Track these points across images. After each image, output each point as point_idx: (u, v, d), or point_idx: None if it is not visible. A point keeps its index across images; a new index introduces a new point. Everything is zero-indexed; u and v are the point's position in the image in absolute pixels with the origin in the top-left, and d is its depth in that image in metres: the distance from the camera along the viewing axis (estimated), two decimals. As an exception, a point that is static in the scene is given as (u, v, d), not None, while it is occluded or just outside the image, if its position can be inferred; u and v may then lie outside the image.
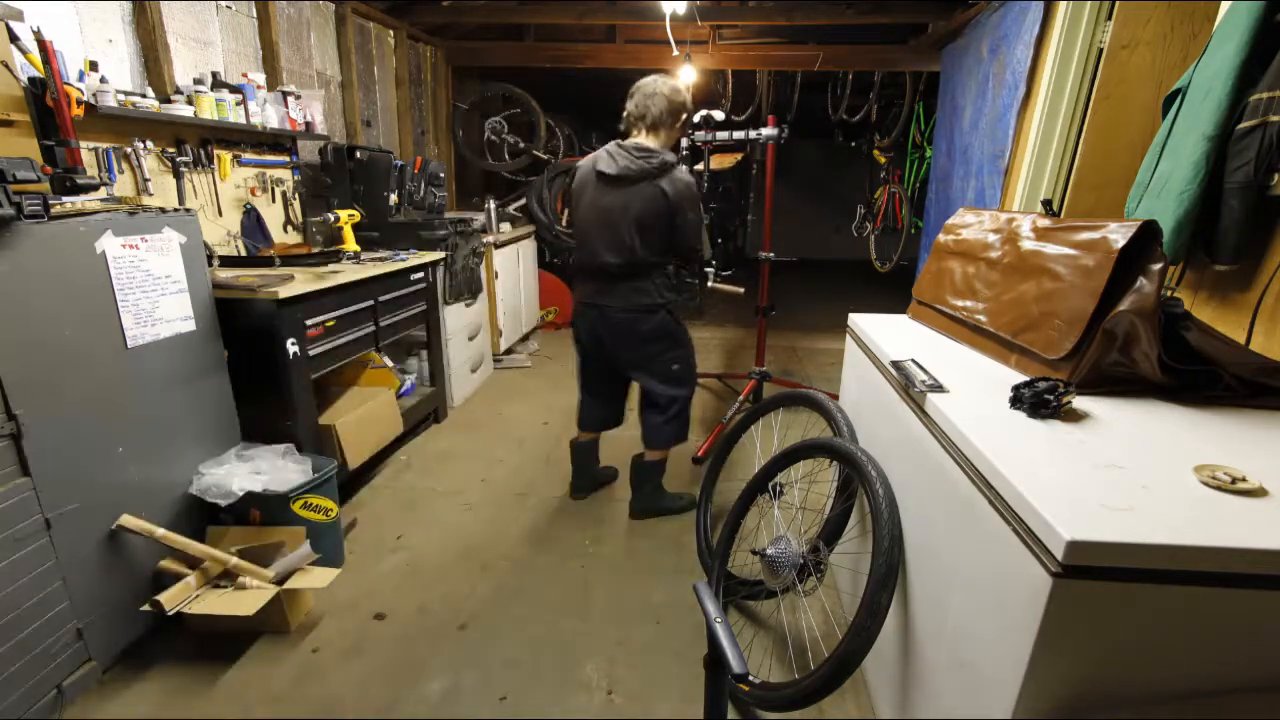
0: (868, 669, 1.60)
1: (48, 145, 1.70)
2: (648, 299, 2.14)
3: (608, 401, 2.45)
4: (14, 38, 1.65)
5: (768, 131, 2.81)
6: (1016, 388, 1.13)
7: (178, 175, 2.36)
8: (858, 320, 1.82)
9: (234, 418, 2.05)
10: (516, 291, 4.43)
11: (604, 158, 2.08)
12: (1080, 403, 1.12)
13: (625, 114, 2.12)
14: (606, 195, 2.08)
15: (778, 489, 1.81)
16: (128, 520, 1.63)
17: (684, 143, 2.85)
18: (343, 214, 2.84)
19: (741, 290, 3.22)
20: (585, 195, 2.14)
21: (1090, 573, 0.77)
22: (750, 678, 0.97)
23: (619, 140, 2.11)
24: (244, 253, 2.67)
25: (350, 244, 2.84)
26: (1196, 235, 1.44)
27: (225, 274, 2.15)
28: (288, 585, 1.75)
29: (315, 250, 2.79)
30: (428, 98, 4.53)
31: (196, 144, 2.45)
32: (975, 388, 1.23)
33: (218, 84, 2.47)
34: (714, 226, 7.28)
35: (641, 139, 2.08)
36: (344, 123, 3.57)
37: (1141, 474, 0.89)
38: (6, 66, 1.48)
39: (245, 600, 1.68)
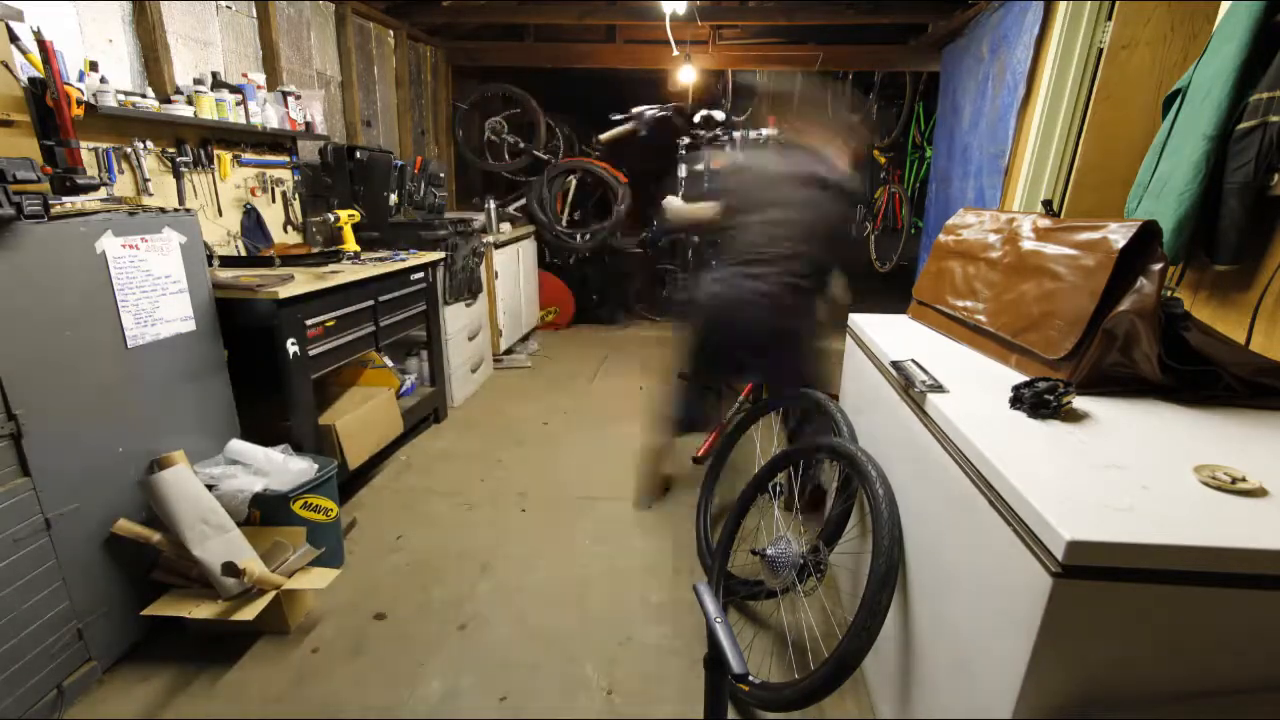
0: (868, 669, 1.60)
1: (48, 145, 1.70)
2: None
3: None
4: (14, 38, 1.65)
5: (768, 132, 2.81)
6: (1016, 388, 1.13)
7: (178, 175, 2.36)
8: (858, 320, 1.82)
9: (234, 418, 2.04)
10: (516, 292, 4.43)
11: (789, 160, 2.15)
12: (1080, 403, 1.12)
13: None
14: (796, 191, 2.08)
15: (778, 489, 1.82)
16: (123, 526, 1.63)
17: (684, 141, 2.85)
18: (343, 214, 2.84)
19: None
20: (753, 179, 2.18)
21: (1090, 573, 0.77)
22: (750, 678, 0.97)
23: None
24: (244, 253, 2.67)
25: (350, 244, 2.84)
26: (1196, 235, 1.44)
27: (225, 274, 2.15)
28: (288, 585, 1.75)
29: (315, 250, 2.79)
30: (428, 98, 4.53)
31: (196, 144, 2.45)
32: (975, 388, 1.23)
33: (218, 84, 2.47)
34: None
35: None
36: (344, 123, 3.57)
37: (1141, 474, 0.89)
38: (6, 66, 1.47)
39: (245, 602, 1.68)
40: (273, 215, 2.91)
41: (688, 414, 2.43)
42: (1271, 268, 1.33)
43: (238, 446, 1.95)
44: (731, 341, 2.13)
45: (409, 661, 1.73)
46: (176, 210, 1.81)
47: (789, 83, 2.12)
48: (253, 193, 2.77)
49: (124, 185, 2.17)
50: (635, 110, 2.93)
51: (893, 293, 5.16)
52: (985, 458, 0.96)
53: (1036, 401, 1.08)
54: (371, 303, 2.57)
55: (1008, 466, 0.91)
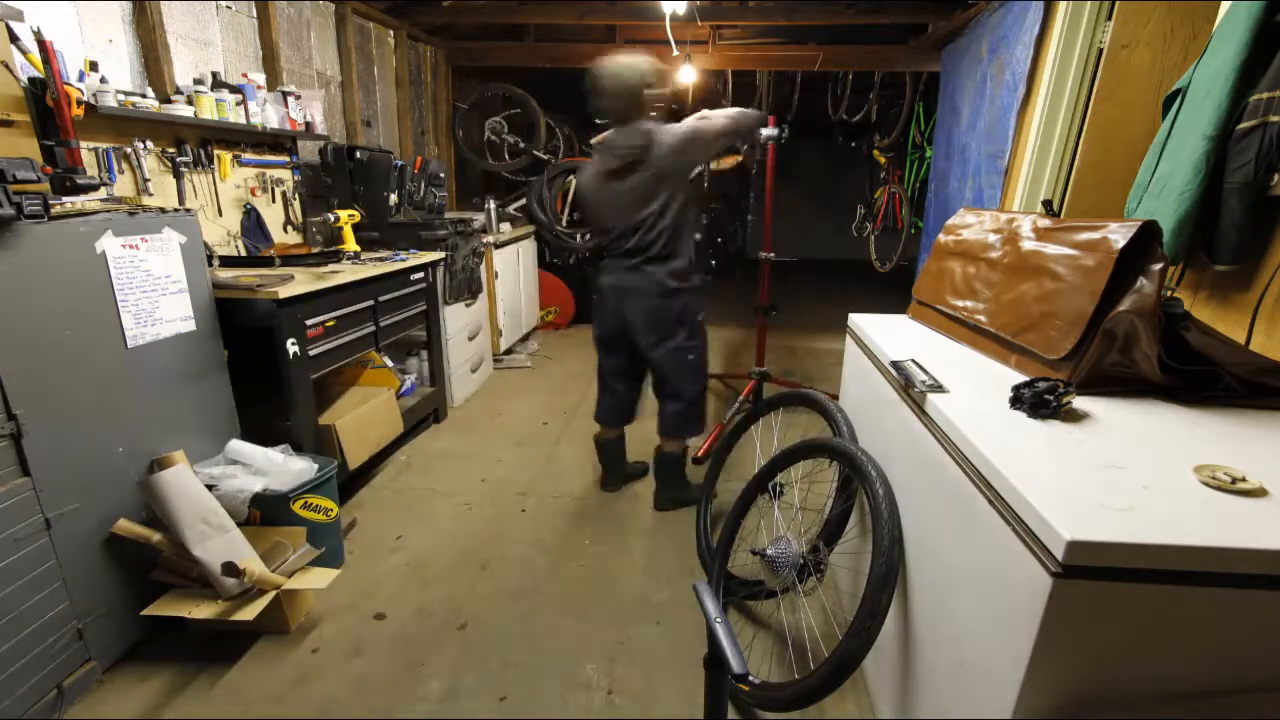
0: (868, 669, 1.60)
1: (48, 145, 1.70)
2: (675, 281, 2.21)
3: (625, 394, 2.50)
4: (14, 38, 1.65)
5: (768, 132, 2.81)
6: (1016, 388, 1.13)
7: (178, 175, 2.36)
8: (858, 320, 1.82)
9: (234, 418, 2.05)
10: (516, 292, 4.43)
11: (604, 159, 2.17)
12: (1080, 403, 1.12)
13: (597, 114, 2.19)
14: (621, 184, 2.14)
15: (778, 489, 1.82)
16: (123, 526, 1.63)
17: None
18: (343, 214, 2.84)
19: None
20: (599, 193, 2.22)
21: (1090, 573, 0.77)
22: (750, 678, 0.97)
23: (602, 139, 2.18)
24: (244, 253, 2.67)
25: (350, 244, 2.84)
26: (1196, 235, 1.44)
27: (225, 274, 2.15)
28: (288, 585, 1.75)
29: (315, 250, 2.79)
30: (428, 98, 4.53)
31: (196, 144, 2.45)
32: (975, 388, 1.23)
33: (218, 84, 2.47)
34: (713, 227, 7.27)
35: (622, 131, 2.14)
36: (344, 123, 3.57)
37: (1141, 474, 0.89)
38: (6, 66, 1.47)
39: (245, 602, 1.68)
40: (273, 215, 2.91)
41: (598, 407, 2.54)
42: (1271, 268, 1.33)
43: (238, 446, 1.95)
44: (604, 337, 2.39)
45: (409, 661, 1.73)
46: (176, 210, 1.81)
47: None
48: (253, 193, 2.77)
49: (124, 185, 2.17)
50: None
51: (893, 293, 5.17)
52: (985, 458, 0.96)
53: (1036, 401, 1.08)
54: (371, 303, 2.57)
55: (1008, 466, 0.91)
